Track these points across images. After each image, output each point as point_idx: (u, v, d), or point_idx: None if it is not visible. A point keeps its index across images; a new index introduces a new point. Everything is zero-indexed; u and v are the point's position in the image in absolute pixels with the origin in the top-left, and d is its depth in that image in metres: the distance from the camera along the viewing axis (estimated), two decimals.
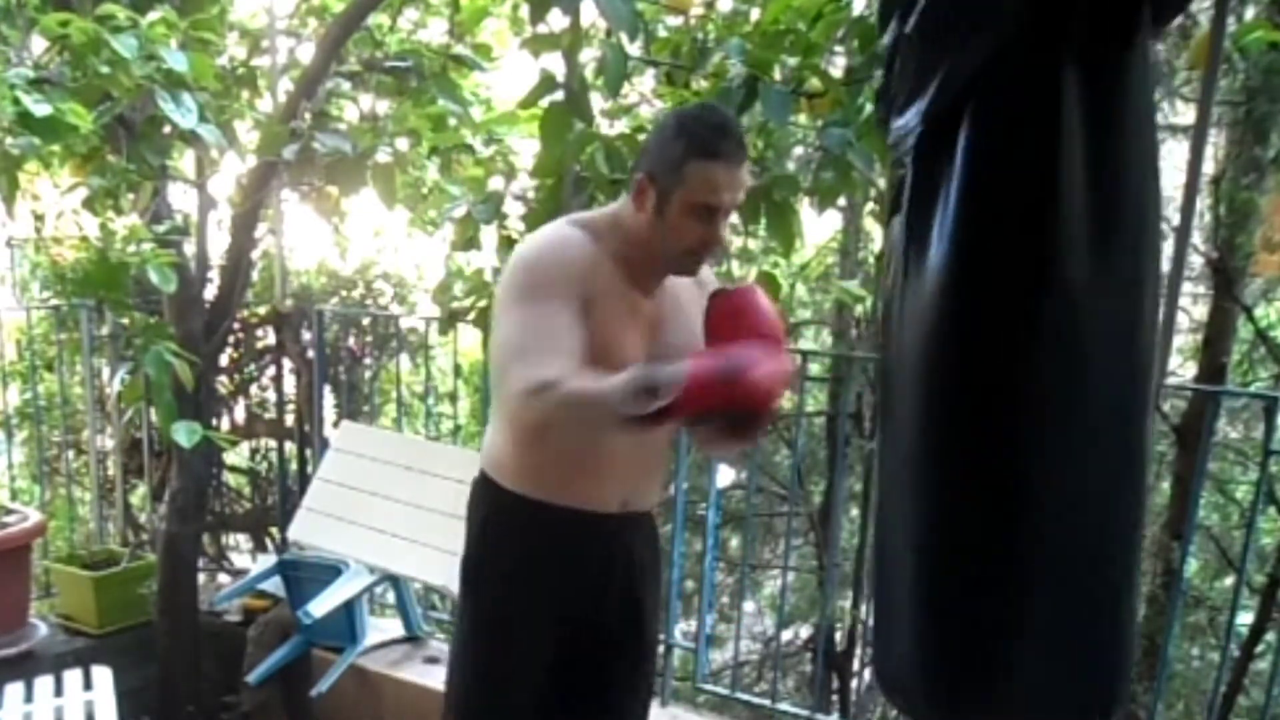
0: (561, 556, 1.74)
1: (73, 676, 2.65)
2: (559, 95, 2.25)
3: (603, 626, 1.81)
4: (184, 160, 3.26)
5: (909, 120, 1.31)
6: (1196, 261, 4.50)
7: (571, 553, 1.75)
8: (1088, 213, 1.21)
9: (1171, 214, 2.22)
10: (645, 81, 2.79)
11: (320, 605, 2.73)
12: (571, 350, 1.53)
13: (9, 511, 3.18)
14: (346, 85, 3.31)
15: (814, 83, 2.25)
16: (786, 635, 6.50)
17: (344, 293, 3.89)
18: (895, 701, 1.54)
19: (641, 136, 2.52)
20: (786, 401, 6.37)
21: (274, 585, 3.14)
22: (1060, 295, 1.23)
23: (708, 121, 1.62)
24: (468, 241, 2.70)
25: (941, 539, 1.34)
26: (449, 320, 2.88)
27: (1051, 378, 1.25)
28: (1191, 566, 4.81)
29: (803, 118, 2.44)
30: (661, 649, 2.94)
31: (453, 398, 3.73)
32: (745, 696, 3.15)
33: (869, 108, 2.22)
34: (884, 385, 1.45)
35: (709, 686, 3.05)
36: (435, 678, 2.90)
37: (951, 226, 1.26)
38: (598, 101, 2.46)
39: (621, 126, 2.62)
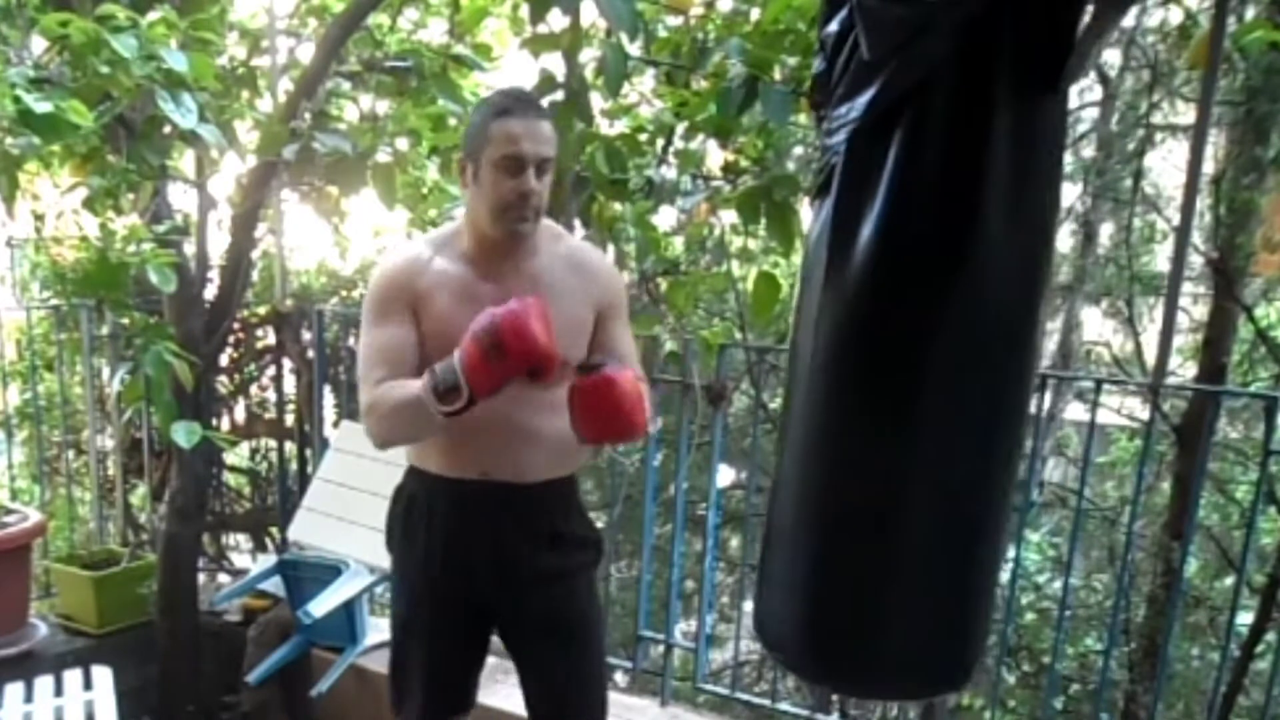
0: (425, 517, 1.91)
1: (73, 676, 2.65)
2: (559, 95, 2.25)
3: (484, 596, 1.92)
4: (184, 160, 3.26)
5: (849, 110, 1.37)
6: (1196, 261, 4.50)
7: (441, 517, 1.89)
8: (1002, 219, 1.32)
9: (1172, 214, 2.22)
10: (645, 81, 2.79)
11: (320, 605, 2.73)
12: (396, 365, 1.76)
13: (9, 511, 3.18)
14: (346, 85, 3.31)
15: None
16: None
17: (344, 293, 3.89)
18: (775, 657, 1.67)
19: (642, 136, 2.53)
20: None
21: (274, 585, 3.14)
22: (970, 284, 1.33)
23: (503, 91, 1.83)
24: None
25: (825, 508, 1.45)
26: None
27: (948, 365, 1.35)
28: (1191, 566, 4.81)
29: (803, 118, 2.44)
30: (661, 649, 2.95)
31: None
32: (745, 696, 3.15)
33: None
34: (792, 358, 1.53)
35: (709, 686, 3.05)
36: None
37: (880, 213, 1.35)
38: (598, 101, 2.46)
39: (621, 126, 2.62)
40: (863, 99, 1.35)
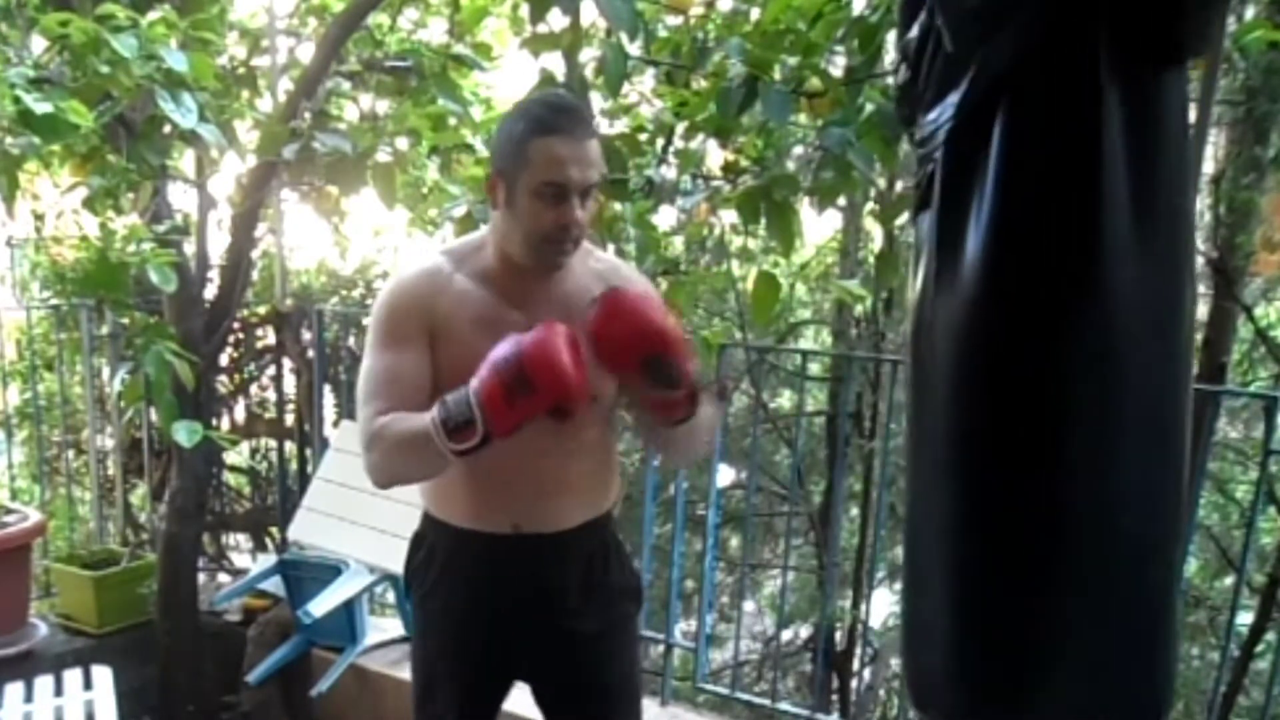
0: (462, 579, 1.72)
1: (73, 676, 2.65)
2: None
3: (517, 656, 1.74)
4: (184, 160, 3.26)
5: (940, 114, 1.28)
6: (1197, 261, 4.49)
7: (470, 576, 1.71)
8: (1129, 214, 1.18)
9: None
10: (645, 81, 2.79)
11: (320, 605, 2.73)
12: (402, 395, 1.54)
13: (9, 511, 3.18)
14: (346, 85, 3.31)
15: (814, 83, 2.24)
16: (786, 635, 6.51)
17: (344, 292, 3.89)
18: (929, 715, 1.47)
19: (642, 136, 2.53)
20: (786, 400, 6.39)
21: (274, 585, 3.14)
22: (1100, 296, 1.19)
23: (546, 101, 1.59)
24: None
25: (976, 548, 1.30)
26: None
27: (1088, 381, 1.22)
28: (1191, 566, 4.81)
29: (803, 118, 2.43)
30: (661, 649, 2.95)
31: None
32: (745, 696, 3.15)
33: (869, 108, 2.22)
34: (915, 387, 1.39)
35: (709, 686, 3.05)
36: None
37: (988, 222, 1.22)
38: (598, 101, 2.46)
39: (621, 126, 2.62)
40: (953, 98, 1.23)
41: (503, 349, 1.42)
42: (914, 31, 1.32)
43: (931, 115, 1.29)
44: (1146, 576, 1.28)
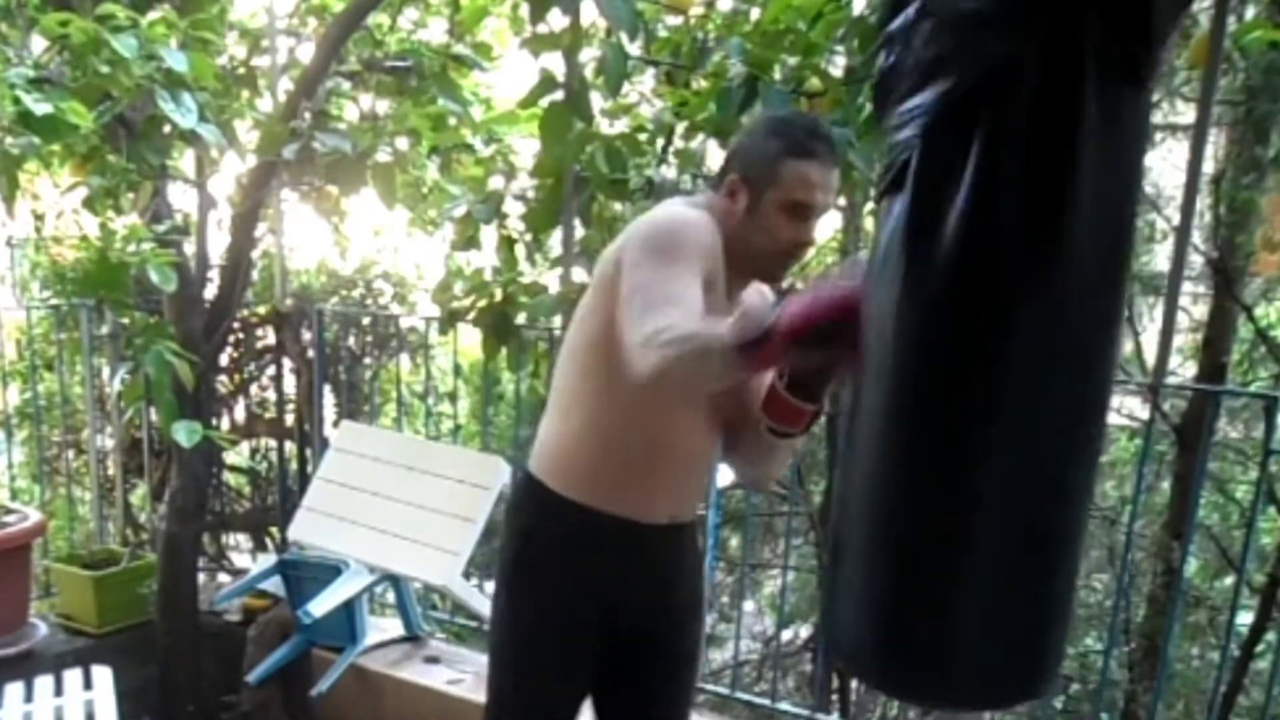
0: (606, 566, 1.73)
1: (73, 676, 2.65)
2: (559, 95, 2.25)
3: (643, 636, 1.81)
4: (184, 160, 3.26)
5: (923, 103, 1.32)
6: (1196, 261, 4.50)
7: (616, 562, 1.74)
8: (1091, 213, 1.23)
9: (1172, 213, 2.22)
10: (645, 81, 2.80)
11: (320, 605, 2.73)
12: (691, 314, 1.49)
13: (9, 511, 3.18)
14: (346, 85, 3.31)
15: (814, 83, 2.25)
16: (786, 635, 6.50)
17: (344, 293, 3.89)
18: (850, 669, 1.61)
19: (642, 136, 2.53)
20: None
21: (274, 585, 3.14)
22: (1063, 289, 1.25)
23: (801, 124, 1.66)
24: (468, 241, 2.70)
25: (899, 525, 1.38)
26: (449, 320, 2.88)
27: (1034, 368, 1.28)
28: (1191, 566, 4.81)
29: None
30: None
31: (453, 397, 3.73)
32: (745, 696, 3.15)
33: (869, 108, 2.22)
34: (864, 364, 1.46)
35: (709, 686, 3.05)
36: (435, 677, 2.91)
37: (964, 210, 1.28)
38: (598, 101, 2.46)
39: (621, 126, 2.62)
40: (935, 90, 1.27)
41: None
42: (898, 21, 1.36)
43: (911, 104, 1.33)
44: (1047, 559, 1.37)
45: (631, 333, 1.51)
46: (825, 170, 1.60)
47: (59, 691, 2.60)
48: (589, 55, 2.33)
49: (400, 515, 2.88)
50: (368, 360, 3.91)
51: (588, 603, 1.75)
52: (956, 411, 1.32)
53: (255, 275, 3.58)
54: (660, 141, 2.58)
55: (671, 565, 1.81)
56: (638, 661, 1.83)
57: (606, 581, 1.74)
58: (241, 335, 3.75)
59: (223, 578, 3.79)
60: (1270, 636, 4.54)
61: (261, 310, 3.68)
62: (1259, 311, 4.93)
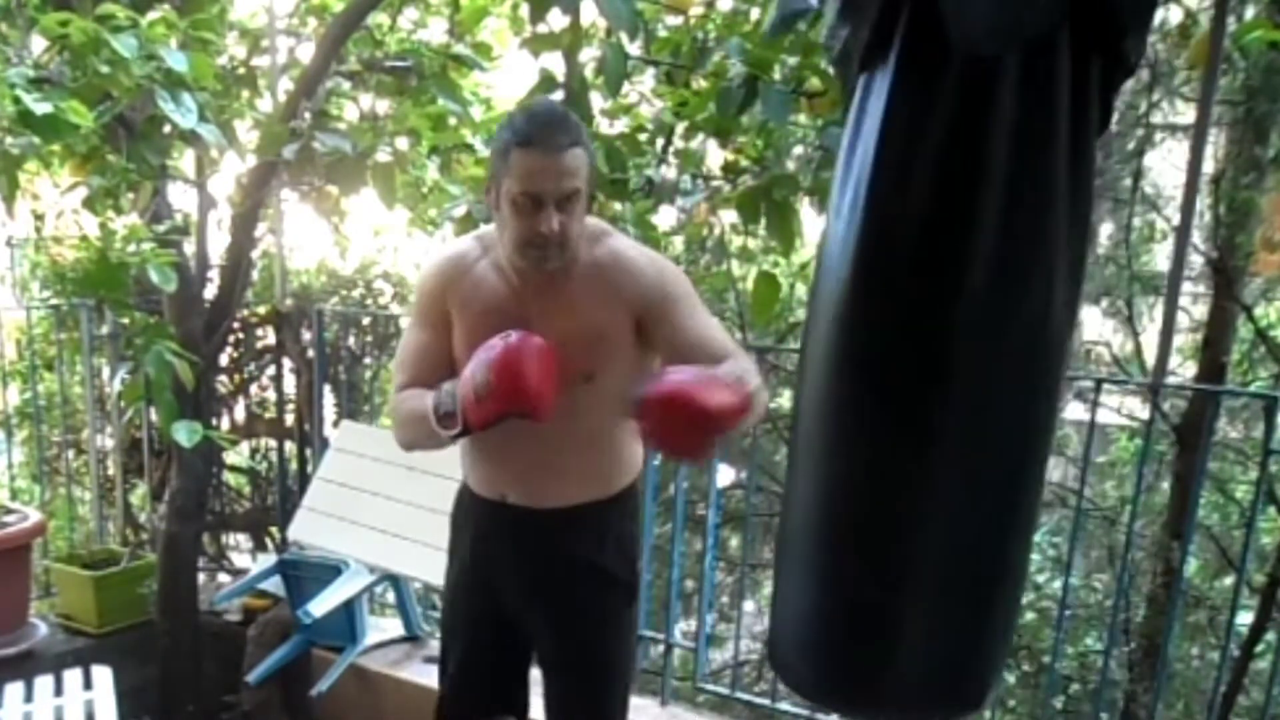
0: (469, 535, 1.91)
1: (73, 676, 2.65)
2: (559, 95, 2.25)
3: (515, 622, 1.90)
4: (184, 160, 3.26)
5: (838, 34, 1.30)
6: (1196, 261, 4.50)
7: (472, 533, 1.89)
8: (1007, 200, 1.20)
9: (1172, 213, 2.22)
10: (645, 81, 2.79)
11: (320, 605, 2.73)
12: (421, 370, 1.74)
13: (9, 511, 3.18)
14: (346, 85, 3.31)
15: (814, 83, 2.25)
16: None
17: (344, 292, 3.88)
18: (784, 679, 1.59)
19: (642, 136, 2.53)
20: (786, 400, 6.39)
21: (274, 585, 3.14)
22: (975, 276, 1.22)
23: (530, 112, 1.66)
24: None
25: (834, 524, 1.36)
26: None
27: (961, 359, 1.25)
28: (1191, 566, 4.81)
29: (803, 118, 2.44)
30: (661, 649, 2.95)
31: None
32: (745, 696, 3.14)
33: None
34: (802, 356, 1.46)
35: (709, 686, 3.05)
36: (435, 677, 2.90)
37: (866, 184, 1.25)
38: (598, 101, 2.46)
39: (621, 126, 2.62)
40: (859, 30, 1.26)
41: (480, 354, 1.58)
42: None
43: (841, 30, 1.30)
44: (987, 569, 1.35)
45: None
46: (549, 156, 1.55)
47: (59, 691, 2.60)
48: (589, 55, 2.33)
49: (400, 515, 2.88)
50: (368, 360, 3.91)
51: (471, 574, 1.90)
52: (875, 402, 1.29)
53: (255, 275, 3.58)
54: (660, 141, 2.58)
55: (513, 548, 1.83)
56: (543, 662, 1.94)
57: (483, 557, 1.87)
58: (241, 335, 3.75)
59: (223, 578, 3.79)
60: (1270, 636, 4.53)
61: (261, 310, 3.68)
62: (1259, 311, 4.93)
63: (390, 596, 3.22)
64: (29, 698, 2.57)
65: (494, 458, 1.79)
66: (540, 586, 1.85)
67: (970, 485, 1.29)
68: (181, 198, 3.27)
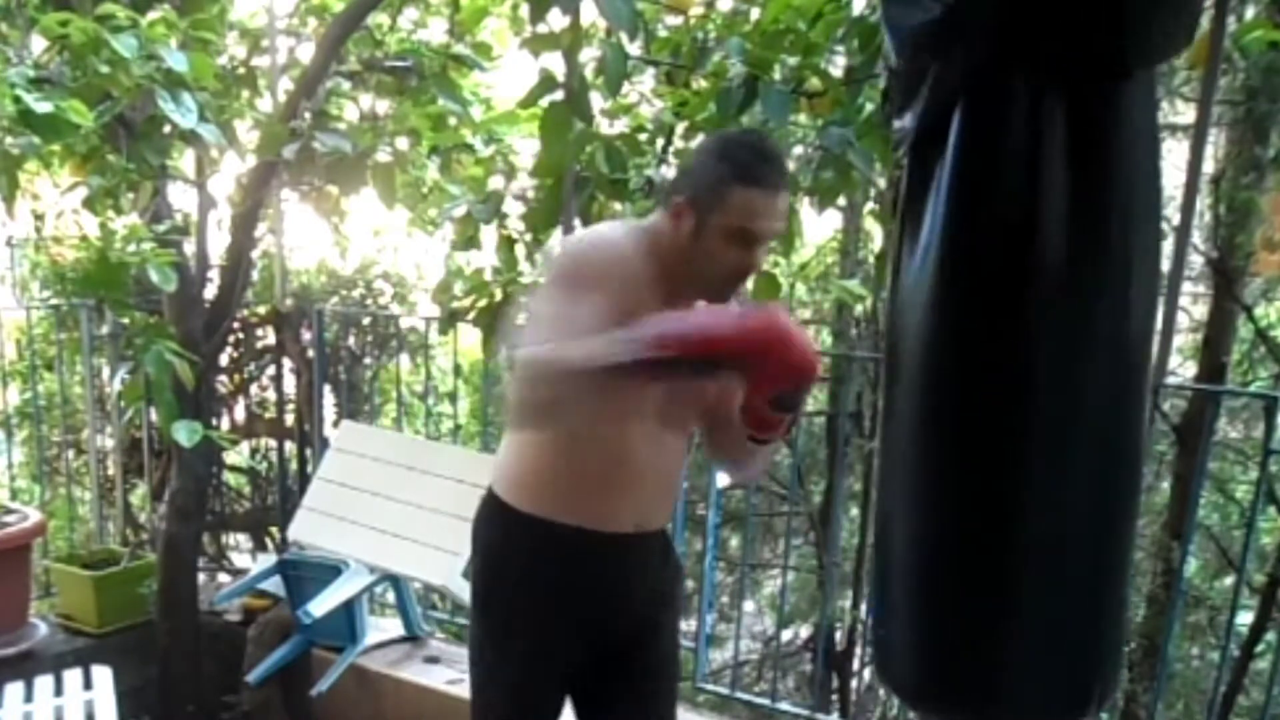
0: (573, 579, 1.71)
1: (73, 676, 2.65)
2: (559, 95, 2.25)
3: (618, 649, 1.78)
4: (184, 160, 3.26)
5: (905, 122, 1.33)
6: (1196, 261, 4.50)
7: (583, 575, 1.71)
8: (1069, 225, 1.24)
9: (1172, 214, 2.22)
10: (645, 81, 2.79)
11: (320, 605, 2.73)
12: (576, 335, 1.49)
13: (9, 511, 3.18)
14: (346, 85, 3.31)
15: (814, 83, 2.25)
16: (786, 635, 6.51)
17: (344, 292, 3.89)
18: (896, 694, 1.58)
19: (642, 136, 2.53)
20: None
21: (274, 585, 3.14)
22: (1044, 291, 1.26)
23: (751, 146, 1.61)
24: (468, 241, 2.70)
25: (936, 534, 1.37)
26: (449, 320, 2.88)
27: (1038, 372, 1.28)
28: (1191, 566, 4.81)
29: (803, 118, 2.43)
30: None
31: (453, 397, 3.73)
32: (745, 696, 3.15)
33: (869, 108, 2.22)
34: (886, 379, 1.47)
35: (709, 686, 3.05)
36: (435, 677, 2.91)
37: (939, 224, 1.29)
38: (598, 101, 2.46)
39: (621, 126, 2.62)
40: (915, 108, 1.31)
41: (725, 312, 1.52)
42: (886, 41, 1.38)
43: (898, 123, 1.35)
44: (1090, 573, 1.35)
45: (519, 356, 1.53)
46: (772, 197, 1.55)
47: (59, 691, 2.60)
48: (589, 55, 2.33)
49: (400, 515, 2.88)
50: (368, 360, 3.92)
51: (554, 617, 1.72)
52: (971, 427, 1.31)
53: (255, 275, 3.58)
54: (660, 141, 2.58)
55: (639, 573, 1.76)
56: (616, 676, 1.81)
57: (572, 594, 1.71)
58: (241, 335, 3.75)
59: (223, 578, 3.79)
60: (1270, 636, 4.54)
61: (261, 310, 3.68)
62: (1259, 311, 4.93)
63: (390, 596, 3.22)
64: (29, 698, 2.57)
65: (624, 486, 1.68)
66: (655, 608, 1.81)
67: (1069, 488, 1.31)
68: (181, 198, 3.28)
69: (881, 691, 6.85)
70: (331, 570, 2.90)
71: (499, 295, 2.67)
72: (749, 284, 1.87)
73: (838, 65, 2.41)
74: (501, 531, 1.75)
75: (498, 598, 1.77)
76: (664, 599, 1.82)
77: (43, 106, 2.21)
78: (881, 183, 2.45)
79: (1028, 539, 1.32)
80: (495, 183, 2.80)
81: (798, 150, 2.73)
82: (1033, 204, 1.23)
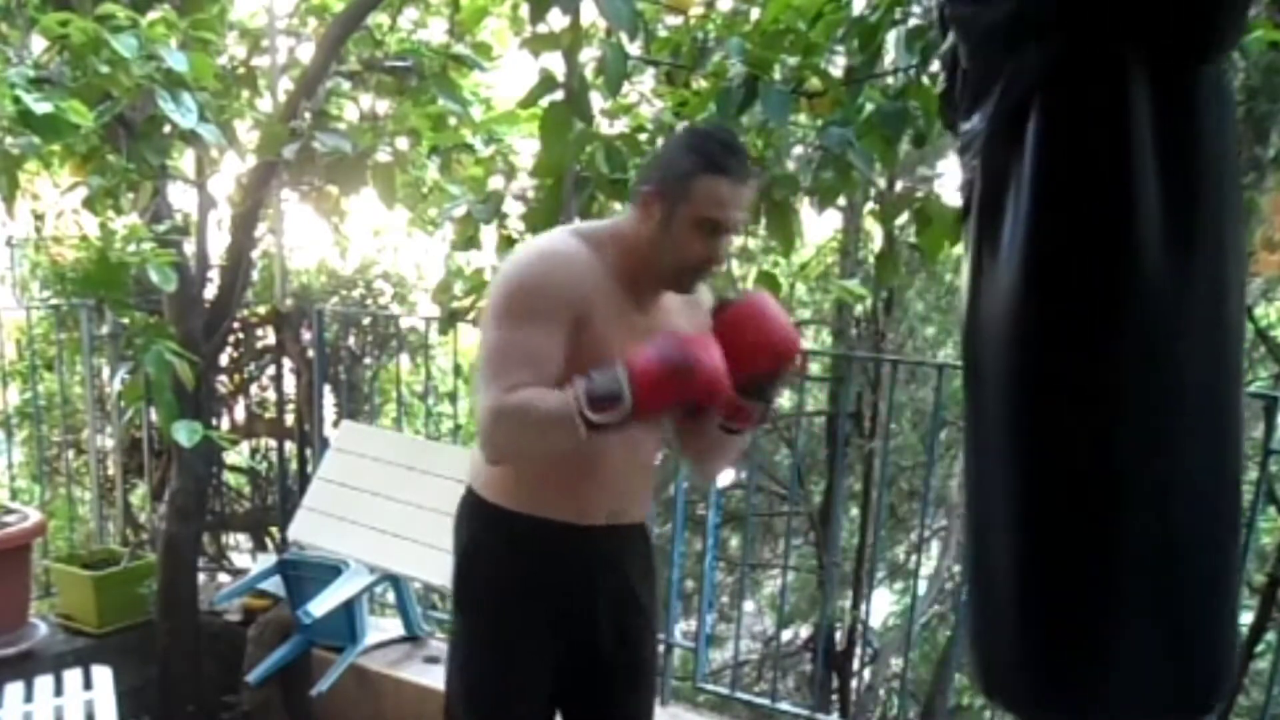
0: (549, 573, 1.73)
1: (73, 676, 2.65)
2: (559, 95, 2.25)
3: (596, 643, 1.79)
4: (184, 160, 3.26)
5: (975, 124, 1.31)
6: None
7: (559, 568, 1.73)
8: (1163, 213, 1.22)
9: None
10: (645, 81, 2.79)
11: (320, 605, 2.73)
12: (543, 375, 1.55)
13: (9, 511, 3.18)
14: (346, 85, 3.32)
15: (814, 83, 2.25)
16: (786, 635, 6.51)
17: (344, 292, 3.89)
18: (999, 703, 1.55)
19: (642, 136, 2.53)
20: (786, 401, 6.41)
21: (274, 585, 3.14)
22: (1138, 292, 1.23)
23: (718, 139, 1.64)
24: (468, 241, 2.70)
25: (1036, 540, 1.35)
26: (449, 320, 2.88)
27: (1134, 373, 1.26)
28: None
29: (803, 118, 2.43)
30: (662, 649, 2.94)
31: (453, 397, 3.73)
32: (745, 696, 3.15)
33: (869, 108, 2.22)
34: (968, 388, 1.43)
35: (709, 686, 3.05)
36: (435, 677, 2.90)
37: (1023, 228, 1.26)
38: (598, 101, 2.46)
39: (621, 126, 2.62)
40: (987, 108, 1.28)
41: (668, 341, 1.53)
42: (948, 41, 1.35)
43: (968, 124, 1.33)
44: (1199, 565, 1.32)
45: (481, 400, 1.56)
46: (738, 187, 1.59)
47: (59, 691, 2.60)
48: (589, 55, 2.33)
49: (400, 515, 2.88)
50: (368, 360, 3.92)
51: (526, 611, 1.73)
52: (1071, 419, 1.28)
53: (255, 275, 3.58)
54: (660, 141, 2.58)
55: (612, 566, 1.77)
56: (595, 671, 1.81)
57: (543, 587, 1.73)
58: (241, 335, 3.75)
59: (223, 578, 3.80)
60: (1270, 636, 4.54)
61: (261, 310, 3.68)
62: (1259, 311, 4.94)
63: (390, 596, 3.22)
64: (29, 698, 2.57)
65: (604, 478, 1.69)
66: (629, 600, 1.81)
67: (1175, 482, 1.29)
68: (181, 198, 3.28)
69: (881, 691, 6.86)
70: (331, 570, 2.90)
71: None
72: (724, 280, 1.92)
73: (838, 65, 2.41)
74: (477, 526, 1.76)
75: (473, 593, 1.78)
76: (639, 597, 1.82)
77: (43, 106, 2.21)
78: (881, 182, 2.45)
79: (1134, 537, 1.30)
80: (495, 183, 2.81)
81: (798, 150, 2.73)
82: (1124, 196, 1.21)
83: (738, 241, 3.10)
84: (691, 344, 1.52)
